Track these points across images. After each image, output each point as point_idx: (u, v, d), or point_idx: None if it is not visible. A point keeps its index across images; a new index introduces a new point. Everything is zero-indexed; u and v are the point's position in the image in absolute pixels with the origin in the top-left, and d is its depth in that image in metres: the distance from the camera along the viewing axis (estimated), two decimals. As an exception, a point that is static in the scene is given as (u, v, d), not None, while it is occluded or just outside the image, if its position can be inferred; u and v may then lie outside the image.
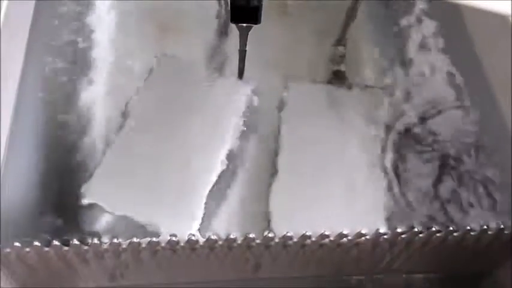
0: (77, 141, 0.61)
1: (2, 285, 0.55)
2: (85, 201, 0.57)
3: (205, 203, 0.57)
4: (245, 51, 0.61)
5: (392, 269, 0.61)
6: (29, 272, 0.55)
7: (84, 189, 0.57)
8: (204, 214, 0.57)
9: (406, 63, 0.70)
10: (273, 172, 0.60)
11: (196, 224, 0.56)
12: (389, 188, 0.60)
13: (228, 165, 0.60)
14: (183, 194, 0.58)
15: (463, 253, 0.58)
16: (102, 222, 0.56)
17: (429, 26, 0.73)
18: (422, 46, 0.71)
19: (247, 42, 0.60)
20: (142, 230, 0.55)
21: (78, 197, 0.57)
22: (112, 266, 0.56)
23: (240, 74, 0.63)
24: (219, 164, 0.60)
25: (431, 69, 0.69)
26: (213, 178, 0.59)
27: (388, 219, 0.57)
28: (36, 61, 0.66)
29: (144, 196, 0.57)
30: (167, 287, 0.60)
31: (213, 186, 0.59)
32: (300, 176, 0.60)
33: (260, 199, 0.58)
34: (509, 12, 0.49)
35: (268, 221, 0.56)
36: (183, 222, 0.56)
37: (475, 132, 0.64)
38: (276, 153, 0.62)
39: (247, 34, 0.59)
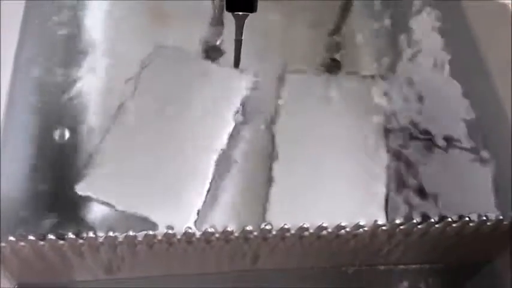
0: (73, 131, 0.60)
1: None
2: (81, 193, 0.56)
3: (202, 197, 0.57)
4: (241, 40, 0.60)
5: (391, 260, 0.61)
6: (24, 265, 0.55)
7: (79, 181, 0.56)
8: (200, 206, 0.56)
9: (403, 52, 0.69)
10: (270, 163, 0.59)
11: (193, 216, 0.55)
12: (389, 179, 0.59)
13: (225, 156, 0.59)
14: (180, 186, 0.57)
15: (462, 244, 0.58)
16: (98, 213, 0.55)
17: (427, 13, 0.72)
18: (420, 34, 0.70)
19: (245, 32, 0.59)
20: (139, 222, 0.54)
21: (74, 188, 0.56)
22: (108, 259, 0.56)
23: (236, 64, 0.62)
24: (215, 155, 0.59)
25: (429, 58, 0.68)
26: (210, 169, 0.58)
27: (387, 210, 0.56)
28: (29, 50, 0.64)
29: (140, 188, 0.56)
30: (164, 279, 0.60)
31: (210, 177, 0.58)
32: (298, 167, 0.59)
33: (257, 190, 0.57)
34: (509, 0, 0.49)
35: (265, 213, 0.55)
36: (179, 214, 0.55)
37: (473, 120, 0.63)
38: (273, 144, 0.61)
39: (243, 23, 0.58)
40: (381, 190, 0.58)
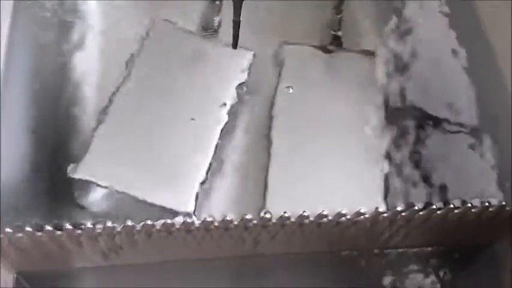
0: (70, 112, 0.59)
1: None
2: (78, 176, 0.55)
3: (201, 179, 0.56)
4: (239, 21, 0.58)
5: (392, 245, 0.61)
6: (23, 255, 0.55)
7: (77, 164, 0.55)
8: (199, 191, 0.55)
9: (405, 28, 0.67)
10: (270, 144, 0.58)
11: (191, 203, 0.54)
12: (389, 161, 0.58)
13: (224, 139, 0.58)
14: (179, 167, 0.56)
15: (463, 229, 0.58)
16: (98, 197, 0.55)
17: None
18: (422, 12, 0.68)
19: (244, 9, 0.57)
20: (140, 207, 0.54)
21: (71, 172, 0.55)
22: (106, 248, 0.55)
23: (235, 44, 0.61)
24: (214, 136, 0.58)
25: (431, 35, 0.67)
26: (210, 150, 0.57)
27: (388, 196, 0.56)
28: (24, 31, 0.63)
29: (138, 170, 0.55)
30: (163, 265, 0.60)
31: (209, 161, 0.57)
32: (297, 148, 0.58)
33: (256, 175, 0.57)
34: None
35: (265, 201, 0.55)
36: (178, 199, 0.54)
37: (475, 100, 0.62)
38: (271, 125, 0.60)
39: (241, 3, 0.56)
40: (381, 175, 0.57)
